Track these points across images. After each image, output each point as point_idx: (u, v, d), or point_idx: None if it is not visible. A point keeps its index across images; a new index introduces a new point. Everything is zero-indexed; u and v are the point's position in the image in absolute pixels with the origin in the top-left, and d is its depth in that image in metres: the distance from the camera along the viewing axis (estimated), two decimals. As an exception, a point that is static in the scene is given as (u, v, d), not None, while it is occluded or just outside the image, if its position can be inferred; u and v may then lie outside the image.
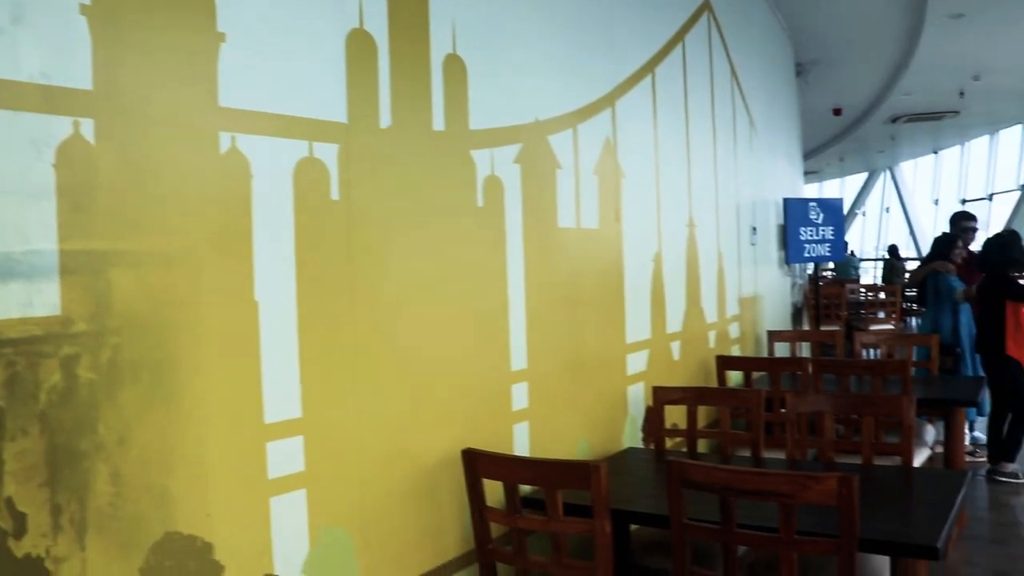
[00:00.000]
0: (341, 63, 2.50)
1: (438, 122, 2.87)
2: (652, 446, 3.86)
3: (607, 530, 2.56)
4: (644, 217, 4.30)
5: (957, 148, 19.74)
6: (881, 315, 11.90)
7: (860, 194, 26.12)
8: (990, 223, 17.35)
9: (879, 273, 18.64)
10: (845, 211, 26.30)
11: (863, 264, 21.77)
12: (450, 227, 2.93)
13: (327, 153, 2.45)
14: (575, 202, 3.64)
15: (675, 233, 4.68)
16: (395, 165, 2.70)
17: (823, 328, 11.46)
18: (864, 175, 25.75)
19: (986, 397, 6.04)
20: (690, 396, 3.80)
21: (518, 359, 3.26)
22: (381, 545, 2.64)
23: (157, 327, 2.00)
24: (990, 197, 17.95)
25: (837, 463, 3.47)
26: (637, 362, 4.17)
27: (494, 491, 2.74)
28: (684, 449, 3.86)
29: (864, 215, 26.24)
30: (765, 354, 5.98)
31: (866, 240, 25.39)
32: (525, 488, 2.91)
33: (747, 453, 3.65)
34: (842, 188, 27.19)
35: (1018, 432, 5.94)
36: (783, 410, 3.79)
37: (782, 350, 5.91)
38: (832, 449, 3.48)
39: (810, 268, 10.85)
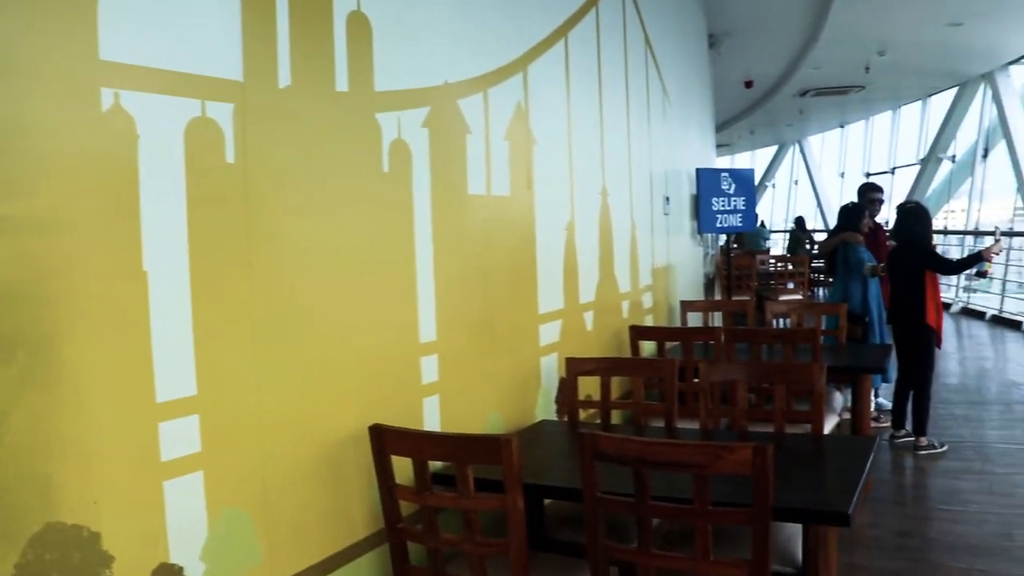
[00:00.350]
0: (236, 17, 2.35)
1: (341, 83, 2.73)
2: (566, 418, 3.81)
3: (520, 506, 2.49)
4: (557, 185, 4.23)
5: (862, 123, 20.23)
6: (790, 286, 12.15)
7: (770, 167, 26.62)
8: (892, 196, 17.85)
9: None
10: (756, 183, 26.87)
11: (773, 236, 22.20)
12: (354, 193, 2.80)
13: (221, 113, 2.29)
14: (486, 169, 3.54)
15: (588, 202, 4.62)
16: (295, 127, 2.55)
17: (735, 298, 11.70)
18: (774, 148, 26.23)
19: (892, 364, 6.17)
20: (603, 366, 3.76)
21: (427, 330, 3.17)
22: (285, 526, 2.53)
23: (34, 300, 1.85)
24: (892, 171, 18.45)
25: (750, 432, 3.48)
26: (550, 332, 4.11)
27: (403, 468, 2.64)
28: (598, 421, 3.83)
29: (774, 187, 26.76)
30: (678, 324, 5.99)
31: (776, 212, 25.91)
32: (436, 464, 2.83)
33: (661, 424, 3.63)
34: (753, 161, 27.68)
35: (925, 403, 6.08)
36: (696, 380, 3.78)
37: (695, 320, 5.92)
38: (745, 418, 3.49)
39: (722, 239, 11.00)
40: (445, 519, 2.66)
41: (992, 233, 6.34)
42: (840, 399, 5.28)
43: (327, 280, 2.67)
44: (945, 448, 6.06)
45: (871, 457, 2.85)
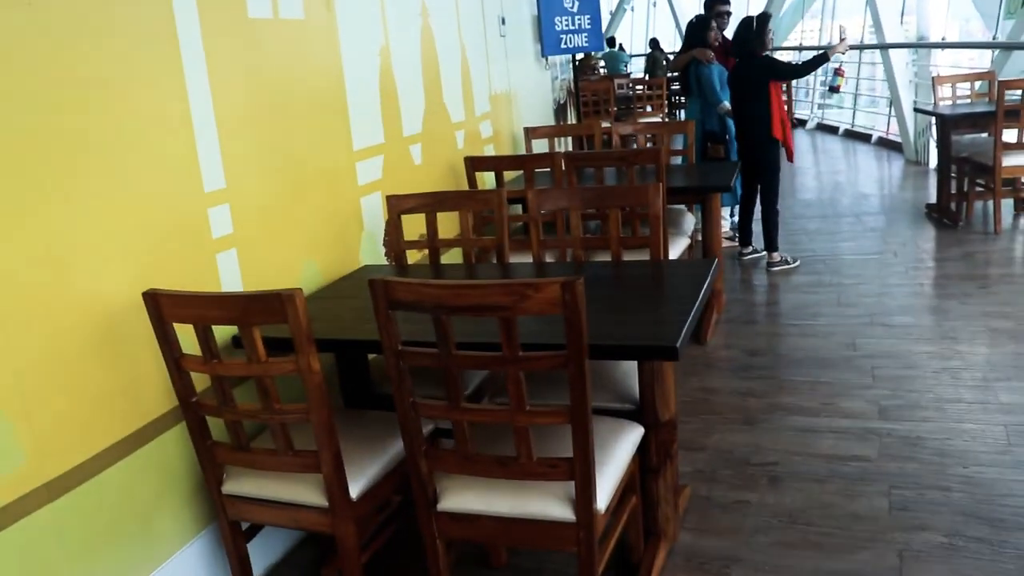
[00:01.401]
0: None
1: None
2: (394, 262, 3.49)
3: (315, 367, 2.19)
4: (365, 3, 3.74)
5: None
6: (649, 109, 11.93)
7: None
8: (749, 10, 17.67)
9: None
10: (613, 6, 26.26)
11: (633, 60, 21.87)
12: (95, 18, 2.29)
13: None
14: (271, -15, 3.05)
15: (405, 23, 4.14)
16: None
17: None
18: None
19: (738, 183, 6.06)
20: (427, 202, 3.42)
21: (213, 178, 2.74)
22: (55, 420, 2.17)
23: None
24: (750, -13, 18.21)
25: (587, 263, 3.24)
26: (370, 170, 3.72)
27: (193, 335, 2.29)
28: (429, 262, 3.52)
29: (632, 10, 26.24)
30: (523, 152, 5.67)
31: (635, 35, 25.49)
32: (233, 329, 2.49)
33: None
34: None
35: (773, 218, 6.02)
36: (531, 210, 3.49)
37: (541, 147, 5.62)
38: (581, 247, 3.24)
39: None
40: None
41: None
42: (692, 220, 5.12)
43: (69, 119, 2.20)
44: (798, 263, 6.06)
45: (707, 282, 2.64)
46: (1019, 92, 6.49)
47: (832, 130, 13.67)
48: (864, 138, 12.48)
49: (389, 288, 2.05)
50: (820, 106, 14.79)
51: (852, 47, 12.80)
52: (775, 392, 4.07)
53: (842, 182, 9.75)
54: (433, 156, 4.36)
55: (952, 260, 6.05)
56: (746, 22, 5.92)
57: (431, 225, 3.43)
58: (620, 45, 20.17)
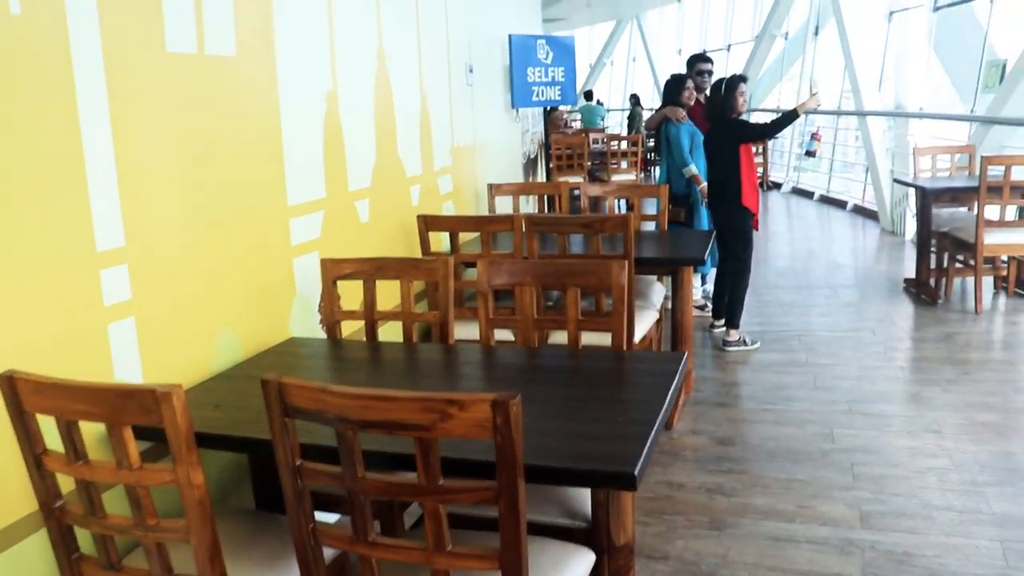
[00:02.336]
0: None
1: None
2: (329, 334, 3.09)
3: (196, 480, 1.79)
4: (310, 43, 3.38)
5: (699, -2, 19.81)
6: (624, 165, 11.68)
7: (608, 43, 26.01)
8: (728, 74, 17.59)
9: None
10: (593, 59, 26.24)
11: (611, 114, 21.78)
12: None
13: None
14: (195, 17, 2.68)
15: (358, 65, 3.78)
16: None
17: (563, 179, 11.13)
18: (612, 24, 25.57)
19: (715, 250, 5.75)
20: (365, 269, 3.04)
21: (109, 235, 2.35)
22: None
23: None
24: (728, 48, 18.18)
25: (545, 348, 2.87)
26: (307, 228, 3.33)
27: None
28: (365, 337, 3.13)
29: (612, 64, 26.25)
30: (486, 211, 5.32)
31: (613, 90, 25.46)
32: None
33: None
34: (591, 36, 27.02)
35: (739, 293, 5.69)
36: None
37: (505, 205, 5.27)
38: (534, 329, 2.86)
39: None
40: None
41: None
42: (661, 291, 4.78)
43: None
44: (757, 345, 5.70)
45: (675, 383, 2.28)
46: (1001, 168, 6.26)
47: (807, 194, 13.49)
48: (840, 204, 12.29)
49: (284, 391, 1.66)
50: (796, 169, 14.63)
51: (827, 111, 12.69)
52: (747, 490, 3.69)
53: (817, 250, 9.51)
54: (383, 213, 3.97)
55: (932, 341, 5.74)
56: (717, 85, 5.66)
57: (369, 294, 3.05)
58: (598, 100, 20.06)
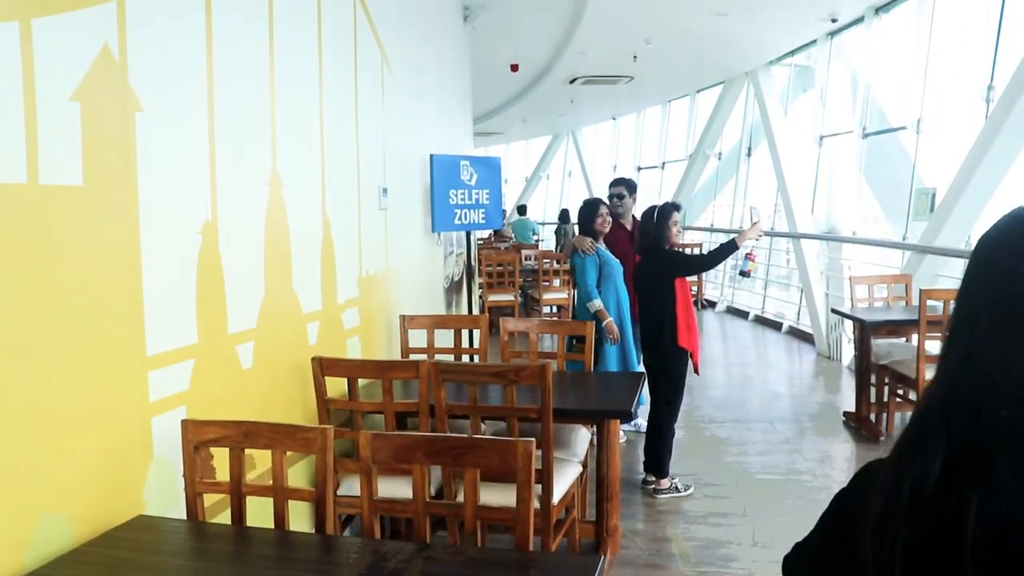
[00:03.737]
0: None
1: None
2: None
3: None
4: (184, 171, 2.96)
5: (633, 116, 20.03)
6: (557, 283, 11.40)
7: (544, 157, 26.21)
8: (662, 191, 17.71)
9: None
10: (529, 174, 26.37)
11: (545, 228, 21.72)
12: None
13: None
14: (27, 143, 2.25)
15: (245, 193, 3.36)
16: None
17: (494, 299, 10.79)
18: (548, 138, 25.81)
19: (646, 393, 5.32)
20: (232, 434, 2.57)
21: None
22: None
23: None
24: (662, 166, 18.31)
25: (437, 542, 2.40)
26: (172, 379, 2.85)
27: None
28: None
29: (548, 179, 26.40)
30: (398, 345, 4.87)
31: (549, 204, 25.52)
32: None
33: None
34: (527, 151, 27.23)
35: (667, 438, 5.28)
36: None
37: (419, 338, 4.83)
38: (425, 515, 2.39)
39: (484, 233, 10.03)
40: None
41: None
42: (586, 438, 4.34)
43: None
44: (690, 491, 5.27)
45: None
46: (940, 301, 6.09)
47: (742, 314, 13.33)
48: (775, 325, 12.12)
49: None
50: (730, 287, 14.52)
51: (763, 233, 12.64)
52: None
53: (753, 377, 9.21)
54: (271, 357, 3.50)
55: (877, 486, 5.37)
56: (648, 213, 5.32)
57: (236, 466, 2.57)
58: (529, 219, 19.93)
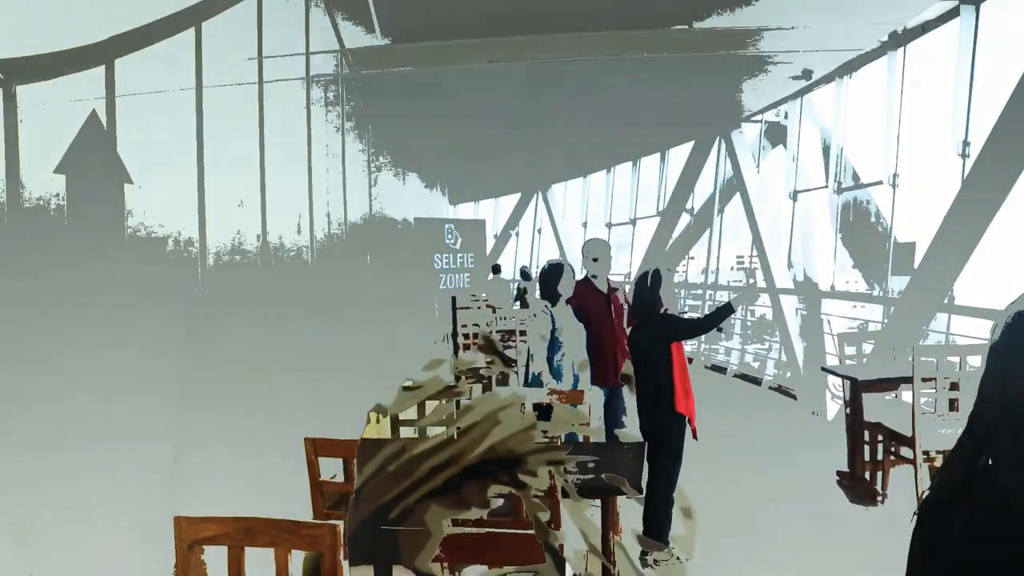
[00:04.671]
0: None
1: None
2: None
3: None
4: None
5: (603, 173, 20.04)
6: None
7: (513, 214, 26.20)
8: (634, 246, 17.67)
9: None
10: (498, 231, 26.30)
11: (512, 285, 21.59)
12: None
13: None
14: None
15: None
16: None
17: (463, 356, 10.58)
18: (518, 195, 25.83)
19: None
20: (230, 531, 2.37)
21: None
22: None
23: None
24: (633, 222, 18.27)
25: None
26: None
27: None
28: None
29: (518, 235, 26.39)
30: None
31: (520, 260, 25.45)
32: None
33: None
34: (496, 208, 27.22)
35: (667, 507, 5.11)
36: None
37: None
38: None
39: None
40: None
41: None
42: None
43: None
44: (688, 559, 5.09)
45: None
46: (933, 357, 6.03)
47: (720, 370, 13.21)
48: (754, 381, 12.01)
49: None
50: (707, 344, 14.41)
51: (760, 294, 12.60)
52: None
53: (741, 438, 9.02)
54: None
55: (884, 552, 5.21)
56: (642, 278, 5.21)
57: (235, 567, 2.37)
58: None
